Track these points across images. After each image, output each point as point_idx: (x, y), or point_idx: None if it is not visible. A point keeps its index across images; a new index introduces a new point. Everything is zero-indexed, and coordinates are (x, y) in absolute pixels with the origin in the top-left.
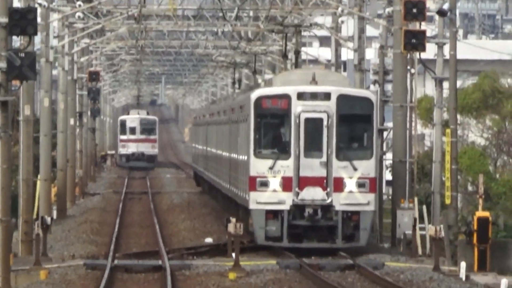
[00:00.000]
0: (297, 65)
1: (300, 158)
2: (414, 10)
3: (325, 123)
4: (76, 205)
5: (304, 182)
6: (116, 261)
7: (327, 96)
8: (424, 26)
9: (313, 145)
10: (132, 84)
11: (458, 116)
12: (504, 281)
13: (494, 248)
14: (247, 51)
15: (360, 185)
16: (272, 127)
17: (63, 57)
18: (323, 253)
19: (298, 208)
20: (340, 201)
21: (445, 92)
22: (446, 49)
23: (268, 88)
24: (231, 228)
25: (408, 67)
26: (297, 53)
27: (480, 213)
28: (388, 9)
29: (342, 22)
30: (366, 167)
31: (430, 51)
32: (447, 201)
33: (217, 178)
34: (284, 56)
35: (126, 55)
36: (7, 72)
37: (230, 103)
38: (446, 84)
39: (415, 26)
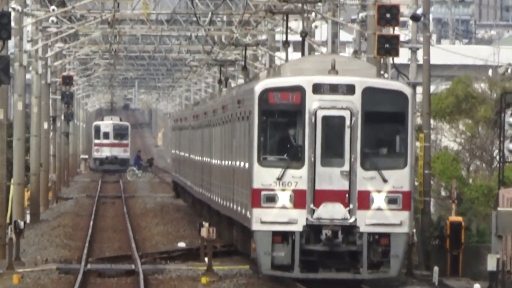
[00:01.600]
0: (303, 52)
1: (316, 167)
2: (388, 15)
3: (347, 122)
4: (50, 209)
5: (321, 196)
6: (89, 266)
7: (350, 89)
8: (397, 31)
9: (332, 151)
10: (105, 89)
11: (432, 121)
12: (476, 286)
13: (466, 253)
14: (220, 56)
15: (390, 200)
16: (281, 128)
17: (36, 61)
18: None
19: (313, 229)
20: (365, 221)
21: (419, 97)
22: (420, 54)
23: (276, 79)
24: (203, 232)
25: (382, 72)
26: (305, 34)
27: (453, 218)
28: (362, 14)
29: (316, 27)
30: (399, 178)
31: (403, 56)
32: (420, 206)
33: (204, 190)
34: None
35: (99, 60)
36: None
37: (223, 100)
38: (419, 89)
39: (389, 31)
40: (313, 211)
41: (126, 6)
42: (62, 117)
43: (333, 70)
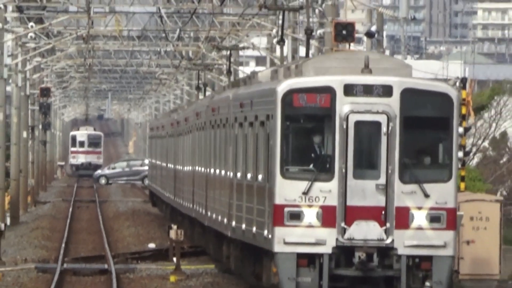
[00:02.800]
0: (307, 53)
1: (347, 180)
2: (344, 32)
3: (384, 129)
4: (28, 212)
5: (353, 213)
6: (65, 265)
7: (387, 90)
8: (353, 47)
9: (366, 161)
10: (80, 100)
11: None
12: None
13: None
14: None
15: (433, 218)
16: (307, 135)
17: (16, 74)
18: None
19: (343, 252)
20: (404, 242)
21: None
22: None
23: (302, 79)
24: (172, 234)
25: None
26: (310, 32)
27: None
28: (320, 31)
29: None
30: (443, 193)
31: None
32: None
33: (198, 207)
34: (228, 72)
35: (75, 73)
36: None
37: (212, 103)
38: None
39: (345, 47)
40: (344, 231)
41: (100, 22)
42: (40, 127)
43: (367, 69)
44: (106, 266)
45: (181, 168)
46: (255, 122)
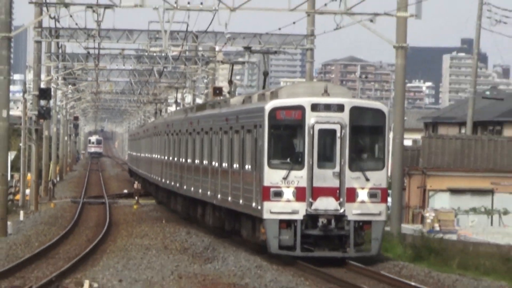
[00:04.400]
0: (264, 86)
1: (313, 169)
2: (217, 91)
3: (338, 134)
4: (67, 175)
5: (318, 192)
6: (84, 199)
7: (340, 107)
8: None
9: (326, 156)
10: (92, 121)
11: None
12: None
13: None
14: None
15: (372, 195)
16: (285, 138)
17: (62, 110)
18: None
19: (311, 218)
20: (352, 211)
21: None
22: None
23: (281, 100)
24: (135, 185)
25: None
26: (266, 74)
27: None
28: (206, 91)
29: (183, 98)
30: (378, 177)
31: None
32: None
33: (204, 191)
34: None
35: (90, 109)
36: (38, 116)
37: (205, 116)
38: None
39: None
40: (311, 204)
41: (102, 85)
42: (74, 134)
43: (326, 93)
44: (103, 200)
45: (148, 156)
46: (242, 130)
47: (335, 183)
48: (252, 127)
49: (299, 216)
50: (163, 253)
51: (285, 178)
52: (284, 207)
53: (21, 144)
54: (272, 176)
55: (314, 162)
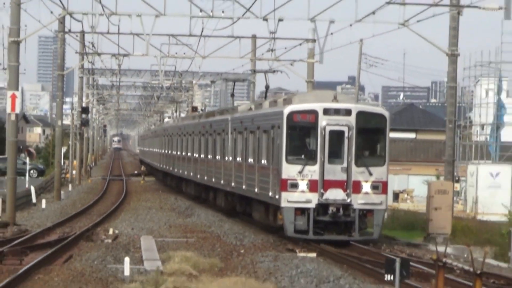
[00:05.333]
0: (265, 97)
1: (324, 164)
2: (194, 109)
3: (346, 135)
4: (99, 161)
5: (328, 184)
6: (110, 177)
7: (348, 112)
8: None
9: (335, 153)
10: (114, 128)
11: None
12: None
13: None
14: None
15: (374, 187)
16: (300, 138)
17: (95, 120)
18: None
19: (322, 207)
20: (357, 201)
21: None
22: None
23: (298, 105)
24: (142, 168)
25: None
26: (267, 88)
27: None
28: (187, 108)
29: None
30: (380, 172)
31: None
32: None
33: (217, 179)
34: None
35: (113, 121)
36: (81, 124)
37: (220, 120)
38: None
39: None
40: (322, 194)
41: (123, 105)
42: (103, 136)
43: (335, 100)
44: (122, 178)
45: (154, 150)
46: (257, 130)
47: (343, 177)
48: (269, 128)
49: (312, 205)
50: (159, 211)
51: (300, 172)
52: (299, 197)
53: (70, 142)
54: (289, 170)
55: (325, 158)
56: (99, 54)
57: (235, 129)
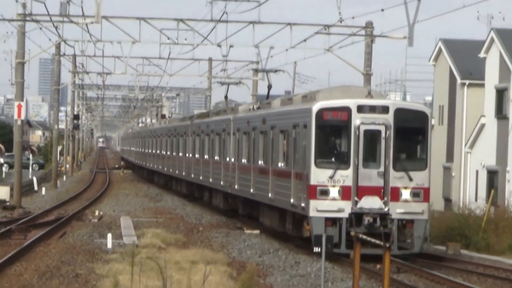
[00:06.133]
0: (267, 97)
1: (358, 168)
2: (163, 116)
3: (383, 135)
4: (87, 158)
5: (363, 191)
6: (96, 170)
7: (385, 109)
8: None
9: (371, 156)
10: (100, 131)
11: None
12: None
13: None
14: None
15: (415, 194)
16: (331, 138)
17: (84, 125)
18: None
19: (356, 216)
20: (396, 210)
21: None
22: None
23: (328, 101)
24: (122, 163)
25: None
26: (270, 87)
27: None
28: (157, 116)
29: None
30: (421, 177)
31: None
32: None
33: (216, 180)
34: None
35: (99, 125)
36: (73, 128)
37: (241, 118)
38: None
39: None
40: (356, 202)
41: (107, 113)
42: (90, 137)
43: (369, 95)
44: (106, 170)
45: (140, 150)
46: (271, 131)
47: (379, 183)
48: (289, 127)
49: (344, 214)
50: (135, 197)
51: (331, 177)
52: (330, 205)
53: (64, 142)
54: (318, 175)
55: (360, 162)
56: (87, 73)
57: (238, 129)
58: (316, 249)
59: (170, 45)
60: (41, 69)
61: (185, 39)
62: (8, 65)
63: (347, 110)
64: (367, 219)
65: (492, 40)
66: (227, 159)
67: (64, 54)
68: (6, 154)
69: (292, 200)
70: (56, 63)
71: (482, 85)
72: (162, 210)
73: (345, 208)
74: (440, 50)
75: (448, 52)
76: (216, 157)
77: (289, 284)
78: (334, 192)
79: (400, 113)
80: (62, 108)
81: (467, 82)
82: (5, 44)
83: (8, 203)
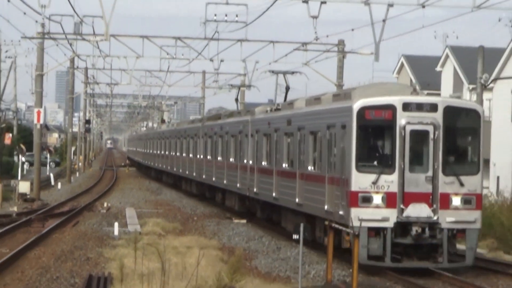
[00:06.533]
0: (285, 99)
1: (404, 173)
2: (163, 121)
3: (431, 136)
4: (97, 157)
5: (409, 198)
6: (104, 167)
7: (433, 107)
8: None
9: (418, 159)
10: (109, 134)
11: None
12: None
13: None
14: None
15: (466, 201)
16: (374, 140)
17: (95, 128)
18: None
19: (401, 226)
20: (446, 219)
21: None
22: None
23: (370, 98)
24: (127, 162)
25: None
26: (288, 89)
27: None
28: (158, 121)
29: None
30: (473, 182)
31: None
32: None
33: (232, 182)
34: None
35: (108, 129)
36: (85, 131)
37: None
38: None
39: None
40: (402, 211)
41: (114, 118)
42: (100, 139)
43: (415, 92)
44: (113, 168)
45: (148, 151)
46: (298, 132)
47: (427, 188)
48: (321, 128)
49: (389, 224)
50: (138, 191)
51: (374, 183)
52: (373, 214)
53: (77, 143)
54: (360, 181)
55: (406, 165)
56: (97, 83)
57: (257, 130)
58: (295, 236)
59: (169, 60)
60: (58, 80)
61: (182, 55)
62: (29, 77)
63: (391, 108)
64: (415, 229)
65: (447, 56)
66: (244, 161)
67: (77, 67)
68: (27, 153)
69: (326, 207)
70: (70, 75)
71: (439, 95)
72: (162, 202)
73: (390, 217)
74: (402, 64)
75: (409, 66)
76: (231, 159)
77: (272, 266)
78: (377, 199)
79: (450, 111)
80: (75, 114)
81: (425, 92)
82: (26, 58)
83: (28, 196)
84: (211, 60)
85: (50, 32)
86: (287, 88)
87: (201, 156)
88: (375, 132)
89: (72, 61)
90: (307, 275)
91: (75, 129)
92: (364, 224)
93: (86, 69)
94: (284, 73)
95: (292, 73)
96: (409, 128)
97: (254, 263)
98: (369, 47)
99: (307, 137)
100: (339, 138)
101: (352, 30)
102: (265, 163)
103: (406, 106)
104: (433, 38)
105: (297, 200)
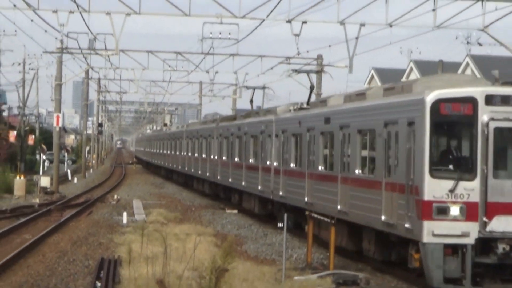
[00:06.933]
0: (309, 99)
1: (488, 179)
2: (165, 124)
3: None
4: (108, 156)
5: (494, 209)
6: (114, 165)
7: None
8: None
9: (504, 163)
10: (118, 135)
11: None
12: None
13: None
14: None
15: None
16: (452, 139)
17: (106, 131)
18: None
19: (484, 242)
20: None
21: None
22: None
23: (447, 90)
24: (134, 160)
25: None
26: (312, 88)
27: None
28: (161, 124)
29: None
30: None
31: None
32: None
33: (251, 184)
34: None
35: (118, 132)
36: (98, 133)
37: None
38: None
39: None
40: (485, 224)
41: (123, 122)
42: (111, 140)
43: (497, 82)
44: (122, 165)
45: (157, 151)
46: (340, 131)
47: None
48: (377, 126)
49: (470, 240)
50: (144, 185)
51: (451, 191)
52: (450, 228)
53: (91, 144)
54: (434, 188)
55: (489, 170)
56: (108, 92)
57: (284, 130)
58: (280, 225)
59: (170, 71)
60: (74, 89)
61: (182, 67)
62: (49, 86)
63: (471, 101)
64: (501, 247)
65: (411, 69)
66: (267, 162)
67: (91, 78)
68: (47, 152)
69: (383, 218)
70: (85, 85)
71: None
72: (164, 195)
73: (471, 232)
74: (372, 76)
75: (378, 77)
76: (251, 160)
77: (259, 250)
78: (455, 210)
79: None
80: (89, 118)
81: None
82: (47, 70)
83: (48, 189)
84: (207, 72)
85: (68, 47)
86: (312, 87)
87: (216, 157)
88: (452, 129)
89: (86, 72)
90: (290, 258)
91: (89, 131)
92: (440, 240)
93: (99, 79)
94: (308, 72)
95: (316, 72)
96: (493, 125)
97: (244, 247)
98: (343, 61)
99: (353, 137)
100: (404, 137)
101: (329, 46)
102: (294, 165)
103: (490, 99)
104: (399, 53)
105: (339, 207)
